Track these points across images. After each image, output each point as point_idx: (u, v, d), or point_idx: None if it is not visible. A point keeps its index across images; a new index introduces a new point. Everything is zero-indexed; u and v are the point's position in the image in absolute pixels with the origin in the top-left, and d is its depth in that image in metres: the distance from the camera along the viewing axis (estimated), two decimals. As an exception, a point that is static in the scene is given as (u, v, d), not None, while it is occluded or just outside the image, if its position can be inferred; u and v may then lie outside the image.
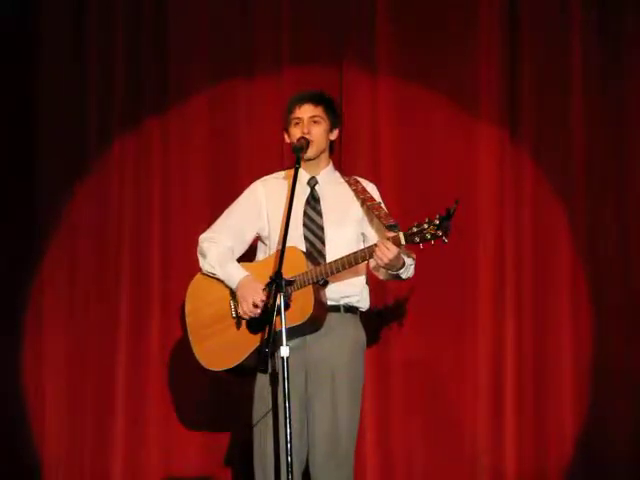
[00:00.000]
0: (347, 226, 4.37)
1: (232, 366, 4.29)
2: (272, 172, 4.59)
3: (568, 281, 5.09)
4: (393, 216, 4.24)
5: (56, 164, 5.49)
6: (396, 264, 4.15)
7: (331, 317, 4.27)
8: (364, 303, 4.40)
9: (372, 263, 4.26)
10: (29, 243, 5.47)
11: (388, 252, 4.08)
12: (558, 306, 5.09)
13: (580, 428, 5.02)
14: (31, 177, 5.50)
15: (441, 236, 3.99)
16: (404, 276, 4.28)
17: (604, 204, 5.12)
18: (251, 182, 4.56)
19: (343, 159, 4.91)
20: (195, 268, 4.48)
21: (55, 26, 5.52)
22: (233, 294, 4.33)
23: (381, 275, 4.36)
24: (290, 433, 3.87)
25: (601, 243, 5.10)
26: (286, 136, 4.44)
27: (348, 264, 4.16)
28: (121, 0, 5.49)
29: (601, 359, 5.04)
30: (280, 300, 3.89)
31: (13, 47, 5.52)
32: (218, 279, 4.37)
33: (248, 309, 4.23)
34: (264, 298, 4.18)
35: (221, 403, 5.19)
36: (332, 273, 4.18)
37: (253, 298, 4.22)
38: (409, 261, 4.24)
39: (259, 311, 4.20)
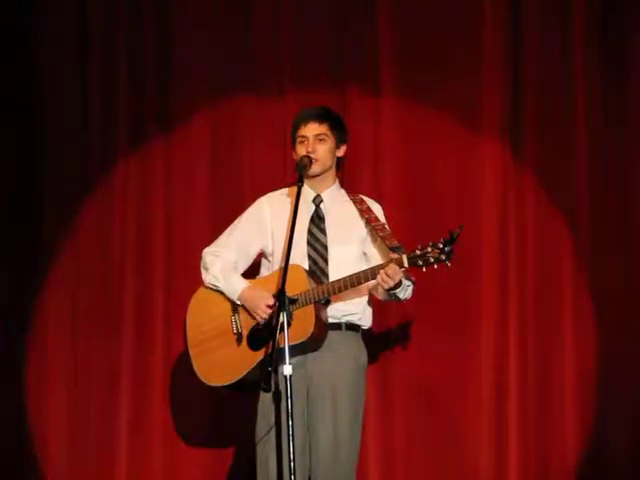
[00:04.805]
0: (350, 245, 4.38)
1: (231, 382, 4.31)
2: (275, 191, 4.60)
3: (571, 299, 5.07)
4: (396, 236, 4.25)
5: (59, 181, 5.49)
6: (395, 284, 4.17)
7: (332, 335, 4.28)
8: (366, 321, 4.41)
9: (371, 283, 4.26)
10: (34, 261, 5.47)
11: (394, 276, 4.09)
12: (561, 325, 5.07)
13: (583, 444, 5.01)
14: (33, 195, 5.50)
15: (444, 260, 4.02)
16: (402, 296, 4.29)
17: (608, 221, 5.11)
18: (254, 201, 4.57)
19: (346, 180, 4.93)
20: (198, 285, 4.49)
21: (56, 35, 5.53)
22: (234, 309, 4.35)
23: (379, 295, 4.36)
24: (293, 452, 3.87)
25: (604, 260, 5.08)
26: (294, 153, 4.46)
27: (350, 284, 4.18)
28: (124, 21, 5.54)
29: (605, 378, 5.03)
30: (283, 318, 3.89)
31: (15, 49, 5.51)
32: (220, 292, 4.38)
33: (263, 311, 4.23)
34: (273, 303, 4.18)
35: (225, 419, 5.18)
36: (334, 293, 4.21)
37: (265, 301, 4.23)
38: (407, 282, 4.26)
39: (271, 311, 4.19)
